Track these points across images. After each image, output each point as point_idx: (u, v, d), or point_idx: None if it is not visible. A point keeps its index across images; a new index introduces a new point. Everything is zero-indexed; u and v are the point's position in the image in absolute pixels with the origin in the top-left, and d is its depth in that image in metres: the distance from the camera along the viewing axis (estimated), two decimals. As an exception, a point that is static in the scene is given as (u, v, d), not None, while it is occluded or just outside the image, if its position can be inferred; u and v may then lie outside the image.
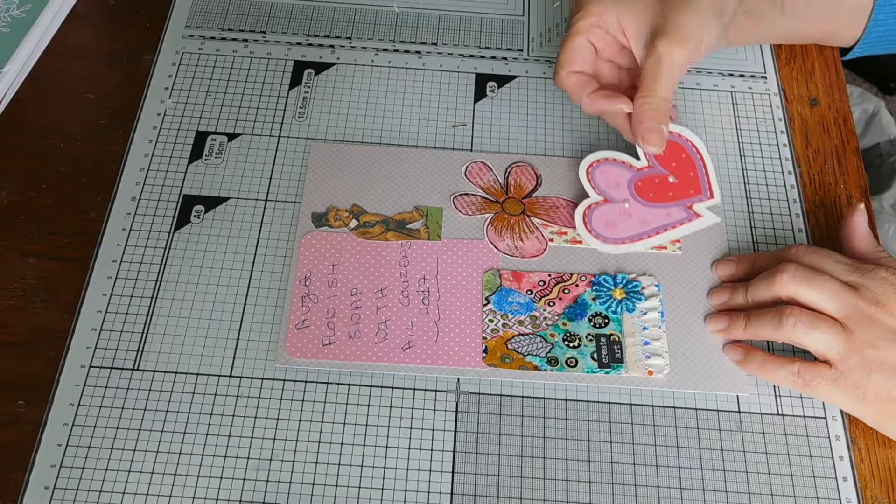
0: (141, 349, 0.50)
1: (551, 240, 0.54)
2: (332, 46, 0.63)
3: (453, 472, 0.47)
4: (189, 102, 0.59)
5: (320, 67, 0.62)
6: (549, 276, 0.52)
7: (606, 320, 0.51)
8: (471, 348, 0.50)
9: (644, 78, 0.52)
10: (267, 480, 0.46)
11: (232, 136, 0.58)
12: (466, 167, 0.57)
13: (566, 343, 0.50)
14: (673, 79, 0.52)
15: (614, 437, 0.48)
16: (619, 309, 0.51)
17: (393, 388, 0.49)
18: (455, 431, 0.48)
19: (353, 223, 0.53)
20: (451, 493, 0.46)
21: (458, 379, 0.49)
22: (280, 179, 0.56)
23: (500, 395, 0.49)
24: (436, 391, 0.49)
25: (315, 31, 0.63)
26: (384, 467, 0.47)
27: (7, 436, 0.47)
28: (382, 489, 0.46)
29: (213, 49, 0.62)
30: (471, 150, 0.58)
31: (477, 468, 0.47)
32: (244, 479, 0.46)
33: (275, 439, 0.47)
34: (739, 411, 0.49)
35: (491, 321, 0.51)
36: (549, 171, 0.57)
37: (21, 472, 0.46)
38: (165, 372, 0.49)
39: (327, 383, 0.49)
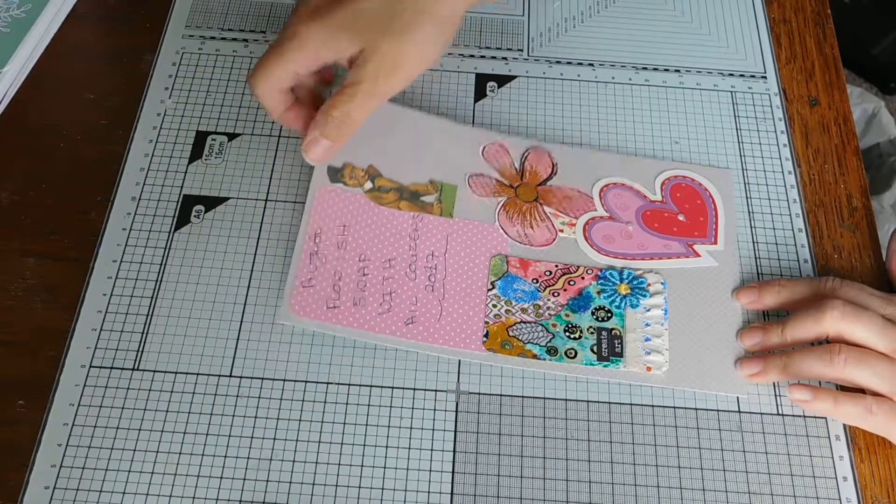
0: (141, 349, 0.50)
1: (561, 230, 0.54)
2: (332, 46, 0.63)
3: (453, 472, 0.47)
4: (189, 102, 0.59)
5: (320, 67, 0.61)
6: (556, 266, 0.52)
7: (609, 314, 0.51)
8: (472, 331, 0.50)
9: (340, 93, 0.50)
10: (267, 480, 0.46)
11: (232, 136, 0.58)
12: (484, 147, 0.56)
13: (567, 334, 0.50)
14: (368, 106, 0.51)
15: (614, 437, 0.48)
16: (622, 304, 0.51)
17: (393, 388, 0.49)
18: (455, 431, 0.48)
19: (368, 185, 0.53)
20: (452, 493, 0.46)
21: (458, 379, 0.49)
22: (280, 179, 0.56)
23: (500, 396, 0.49)
24: (436, 391, 0.49)
25: (315, 31, 0.63)
26: (384, 467, 0.47)
27: (7, 436, 0.47)
28: (382, 489, 0.46)
29: (213, 49, 0.62)
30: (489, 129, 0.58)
31: (477, 468, 0.47)
32: (244, 479, 0.46)
33: (275, 439, 0.47)
34: (739, 411, 0.49)
35: (494, 306, 0.51)
36: (565, 159, 0.57)
37: (21, 472, 0.46)
38: (165, 372, 0.49)
39: (327, 383, 0.49)
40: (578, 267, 0.52)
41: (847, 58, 0.67)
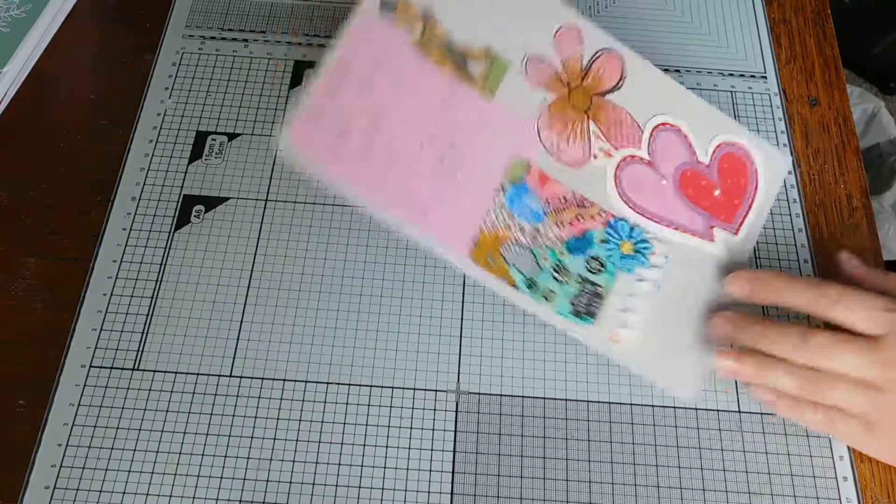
0: (141, 349, 0.50)
1: (595, 156, 0.49)
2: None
3: (453, 472, 0.47)
4: (189, 102, 0.59)
5: (320, 67, 0.62)
6: (573, 195, 0.49)
7: (601, 268, 0.48)
8: (465, 231, 0.47)
9: None
10: (267, 480, 0.46)
11: (232, 136, 0.58)
12: (559, 28, 0.50)
13: (554, 273, 0.48)
14: None
15: (614, 437, 0.48)
16: (619, 264, 0.49)
17: (393, 388, 0.49)
18: (455, 431, 0.48)
19: (418, 31, 0.48)
20: (452, 493, 0.46)
21: (458, 379, 0.49)
22: (280, 179, 0.56)
23: (500, 396, 0.49)
24: (436, 391, 0.49)
25: (315, 31, 0.64)
26: (384, 467, 0.47)
27: (7, 436, 0.47)
28: (382, 489, 0.46)
29: (213, 49, 0.62)
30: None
31: (477, 468, 0.47)
32: (244, 479, 0.46)
33: (275, 439, 0.47)
34: (739, 411, 0.49)
35: (496, 213, 0.47)
36: (635, 76, 0.50)
37: (21, 472, 0.46)
38: (165, 372, 0.49)
39: (327, 383, 0.49)
40: (594, 204, 0.49)
41: (847, 58, 0.67)
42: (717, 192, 0.51)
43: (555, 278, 0.48)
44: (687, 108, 0.51)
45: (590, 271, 0.48)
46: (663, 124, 0.50)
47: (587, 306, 0.48)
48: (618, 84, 0.50)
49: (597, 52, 0.50)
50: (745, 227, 0.51)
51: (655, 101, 0.50)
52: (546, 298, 0.47)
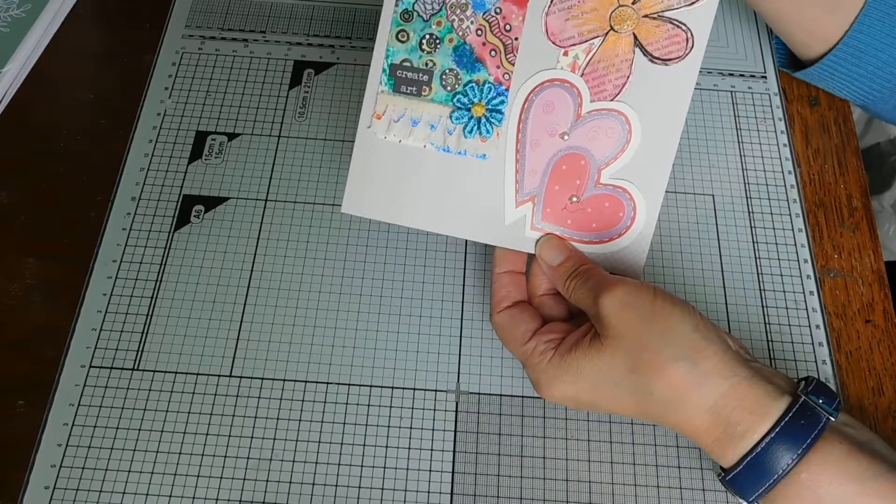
0: (141, 349, 0.50)
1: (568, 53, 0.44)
2: (332, 46, 0.63)
3: (453, 472, 0.47)
4: (189, 102, 0.59)
5: (320, 67, 0.62)
6: (512, 38, 0.45)
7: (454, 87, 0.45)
8: None
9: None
10: (267, 480, 0.46)
11: (232, 136, 0.58)
12: None
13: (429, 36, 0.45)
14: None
15: (614, 437, 0.48)
16: (469, 128, 0.46)
17: (393, 388, 0.49)
18: (455, 431, 0.48)
19: None
20: (451, 493, 0.46)
21: (458, 379, 0.49)
22: (280, 179, 0.56)
23: (500, 396, 0.49)
24: (436, 391, 0.49)
25: (315, 31, 0.64)
26: (384, 467, 0.47)
27: (7, 436, 0.47)
28: (382, 489, 0.46)
29: (213, 49, 0.62)
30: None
31: (477, 468, 0.47)
32: (244, 479, 0.46)
33: (275, 439, 0.47)
34: (739, 411, 0.49)
35: None
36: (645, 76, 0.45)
37: (21, 472, 0.46)
38: (165, 372, 0.49)
39: (327, 383, 0.49)
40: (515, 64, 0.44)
41: (847, 58, 0.67)
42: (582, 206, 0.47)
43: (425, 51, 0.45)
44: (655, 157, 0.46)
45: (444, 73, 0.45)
46: (626, 118, 0.45)
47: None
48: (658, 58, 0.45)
49: None
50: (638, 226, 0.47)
51: (656, 108, 0.45)
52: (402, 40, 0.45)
